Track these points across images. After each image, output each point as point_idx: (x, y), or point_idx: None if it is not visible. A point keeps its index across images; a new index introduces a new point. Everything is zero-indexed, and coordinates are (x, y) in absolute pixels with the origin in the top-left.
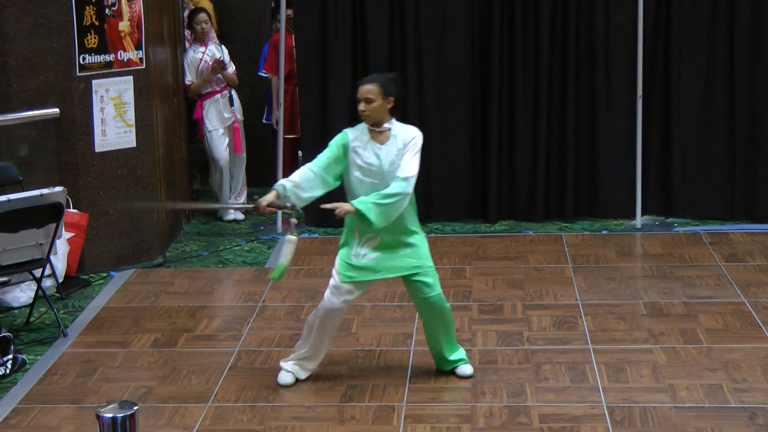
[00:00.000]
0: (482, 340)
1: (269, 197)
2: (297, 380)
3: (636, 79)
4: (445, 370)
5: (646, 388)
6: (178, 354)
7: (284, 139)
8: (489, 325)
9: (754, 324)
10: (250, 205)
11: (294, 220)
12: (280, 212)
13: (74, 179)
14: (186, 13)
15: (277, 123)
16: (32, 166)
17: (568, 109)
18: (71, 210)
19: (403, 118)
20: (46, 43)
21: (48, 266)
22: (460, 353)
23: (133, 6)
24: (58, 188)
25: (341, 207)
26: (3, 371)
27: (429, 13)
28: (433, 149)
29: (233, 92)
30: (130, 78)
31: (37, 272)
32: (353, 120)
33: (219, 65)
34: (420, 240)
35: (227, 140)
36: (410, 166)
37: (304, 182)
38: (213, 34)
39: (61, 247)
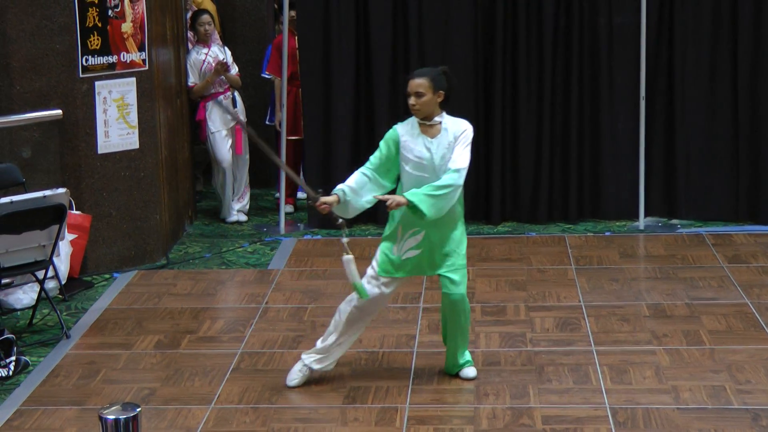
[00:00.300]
0: (485, 342)
1: (330, 199)
2: (305, 382)
3: (639, 80)
4: (450, 373)
5: (649, 389)
6: (181, 356)
7: (287, 140)
8: (492, 327)
9: (757, 325)
10: (313, 194)
11: (345, 239)
12: (283, 214)
13: (77, 181)
14: (189, 15)
15: (279, 124)
16: (35, 167)
17: (571, 111)
18: (74, 211)
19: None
20: (49, 44)
21: (51, 268)
22: (467, 356)
23: (136, 7)
24: (61, 190)
25: (393, 199)
26: (6, 373)
27: (432, 15)
28: None
29: (236, 94)
30: (133, 79)
31: (40, 274)
32: (356, 121)
33: (222, 67)
34: (462, 236)
35: (230, 142)
36: (462, 158)
37: (359, 187)
38: (216, 36)
39: (64, 248)
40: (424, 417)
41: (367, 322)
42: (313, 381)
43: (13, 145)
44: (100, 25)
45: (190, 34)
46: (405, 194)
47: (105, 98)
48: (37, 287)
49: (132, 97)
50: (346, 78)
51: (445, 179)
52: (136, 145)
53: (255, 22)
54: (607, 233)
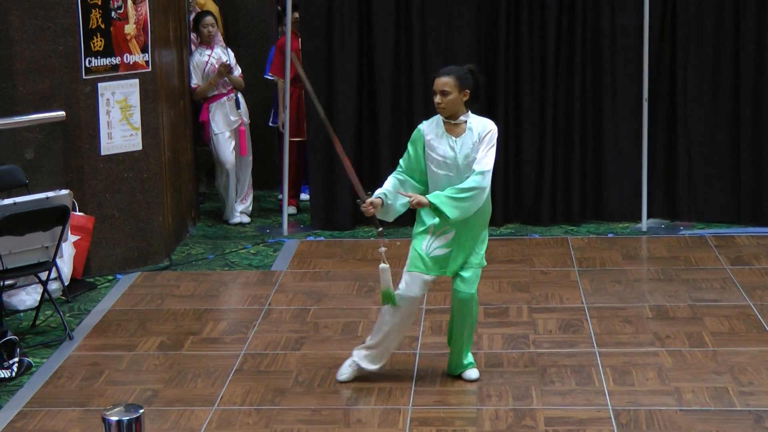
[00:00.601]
0: (488, 343)
1: (377, 202)
2: (356, 376)
3: (641, 82)
4: (453, 374)
5: (651, 391)
6: (184, 357)
7: (290, 142)
8: (495, 328)
9: (760, 327)
10: (363, 194)
11: (383, 249)
12: (286, 216)
13: (80, 182)
14: (192, 16)
15: (283, 126)
16: (38, 169)
17: (574, 112)
18: (77, 213)
19: (409, 121)
20: (52, 46)
21: (54, 269)
22: (470, 357)
23: (139, 9)
24: (64, 191)
25: (416, 198)
26: (9, 374)
27: (435, 17)
28: None
29: (239, 95)
30: (136, 81)
31: (43, 275)
32: (358, 122)
33: (225, 69)
34: (486, 237)
35: (233, 143)
36: (486, 160)
37: (395, 190)
38: (219, 37)
39: (67, 250)
40: (427, 418)
41: (406, 324)
42: (316, 382)
43: (17, 147)
44: (103, 26)
45: (193, 35)
46: (428, 196)
47: (108, 100)
48: (40, 289)
49: (135, 99)
50: (348, 79)
51: (469, 182)
52: (139, 147)
53: (258, 23)
54: (609, 235)
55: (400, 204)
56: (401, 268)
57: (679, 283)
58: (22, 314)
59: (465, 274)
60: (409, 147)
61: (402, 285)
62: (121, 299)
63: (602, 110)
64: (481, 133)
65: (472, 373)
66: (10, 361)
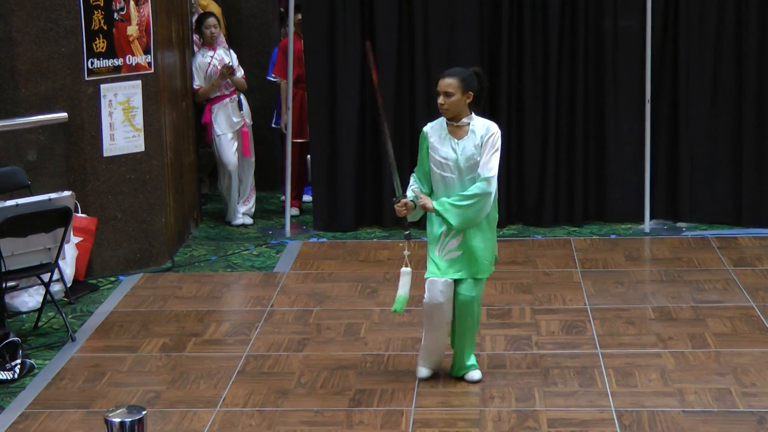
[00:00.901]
0: (491, 345)
1: (410, 204)
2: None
3: (644, 83)
4: (455, 376)
5: (654, 392)
6: (187, 358)
7: (293, 143)
8: (497, 330)
9: (763, 328)
10: (401, 192)
11: (407, 253)
12: (288, 217)
13: (82, 184)
14: (194, 18)
15: (285, 127)
16: (40, 170)
17: (576, 114)
18: (79, 214)
19: (411, 122)
20: (55, 47)
21: (56, 271)
22: (473, 359)
23: (141, 10)
24: (67, 193)
25: (423, 200)
26: (11, 376)
27: (437, 18)
28: None
29: (242, 96)
30: (139, 82)
31: (46, 277)
32: (361, 124)
33: (228, 70)
34: (494, 243)
35: (236, 144)
36: (490, 165)
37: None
38: (222, 39)
39: (70, 251)
40: (430, 420)
41: (439, 332)
42: (319, 384)
43: (19, 148)
44: (105, 28)
45: (195, 37)
46: (434, 203)
47: (110, 101)
48: (42, 290)
49: (137, 100)
50: (351, 81)
51: (474, 188)
52: (142, 148)
53: (260, 25)
54: (612, 236)
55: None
56: (402, 269)
57: (682, 285)
58: (24, 316)
59: (466, 277)
60: (419, 150)
61: (425, 294)
62: (124, 301)
63: (604, 111)
64: (483, 135)
65: (475, 375)
66: (13, 363)
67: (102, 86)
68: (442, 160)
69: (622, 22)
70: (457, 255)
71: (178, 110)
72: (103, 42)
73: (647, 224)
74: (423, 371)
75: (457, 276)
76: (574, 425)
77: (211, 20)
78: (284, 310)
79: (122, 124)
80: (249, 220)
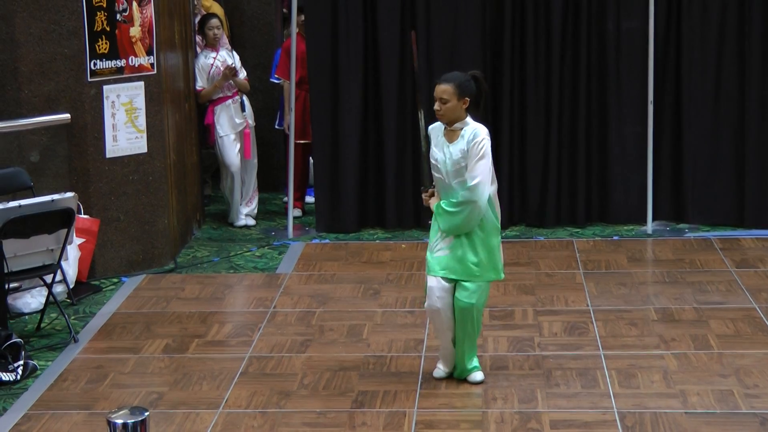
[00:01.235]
0: (493, 346)
1: (435, 197)
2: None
3: (647, 84)
4: (458, 378)
5: (657, 393)
6: (189, 360)
7: (296, 144)
8: (500, 331)
9: (765, 330)
10: (429, 183)
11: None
12: (291, 218)
13: (85, 185)
14: (197, 19)
15: (288, 128)
16: (43, 171)
17: (579, 115)
18: (82, 216)
19: (414, 123)
20: (57, 48)
21: (59, 272)
22: (475, 361)
23: (144, 11)
24: (69, 194)
25: (428, 198)
26: (14, 377)
27: (440, 19)
28: None
29: (245, 98)
30: (141, 83)
31: (48, 278)
32: (364, 125)
33: (230, 71)
34: (495, 248)
35: (239, 146)
36: (474, 173)
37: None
38: (225, 40)
39: (72, 252)
40: (433, 421)
41: (444, 333)
42: (321, 385)
43: (22, 150)
44: (108, 29)
45: (198, 38)
46: (436, 204)
47: (113, 102)
48: (45, 291)
49: (140, 101)
50: (354, 82)
51: (459, 196)
52: (145, 149)
53: (263, 26)
54: (615, 237)
55: None
56: (404, 270)
57: (685, 286)
58: (27, 317)
59: (467, 284)
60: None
61: (426, 299)
62: (126, 302)
63: (607, 113)
64: (470, 141)
65: (477, 376)
66: (15, 364)
67: (105, 87)
68: (435, 163)
69: (625, 24)
70: (444, 254)
71: (180, 111)
72: (105, 43)
73: (650, 225)
74: (437, 371)
75: (441, 274)
76: (576, 427)
77: (214, 21)
78: (287, 312)
79: (125, 125)
80: (252, 222)
